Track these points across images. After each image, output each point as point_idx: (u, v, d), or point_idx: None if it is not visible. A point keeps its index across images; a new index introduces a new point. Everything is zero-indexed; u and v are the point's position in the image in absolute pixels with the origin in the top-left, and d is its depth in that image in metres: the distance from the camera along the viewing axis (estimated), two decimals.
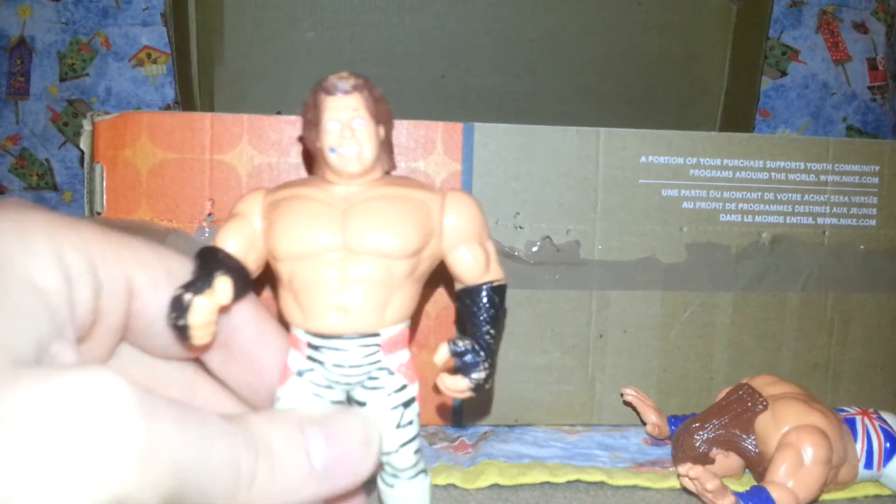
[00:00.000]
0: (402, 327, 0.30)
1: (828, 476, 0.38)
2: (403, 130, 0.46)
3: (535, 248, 0.47)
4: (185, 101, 0.68)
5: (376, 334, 0.29)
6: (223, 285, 0.28)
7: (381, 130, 0.30)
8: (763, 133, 0.83)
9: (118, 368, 0.27)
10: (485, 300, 0.30)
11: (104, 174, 0.44)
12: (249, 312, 0.30)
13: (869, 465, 0.40)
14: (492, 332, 0.30)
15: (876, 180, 0.50)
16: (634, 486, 0.41)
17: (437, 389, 0.30)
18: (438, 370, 0.30)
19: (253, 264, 0.30)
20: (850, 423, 0.41)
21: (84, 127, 0.45)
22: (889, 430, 0.41)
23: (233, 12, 0.69)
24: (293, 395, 0.29)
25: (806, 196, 0.49)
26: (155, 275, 0.27)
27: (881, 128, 0.83)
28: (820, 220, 0.49)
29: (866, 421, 0.41)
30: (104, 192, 0.44)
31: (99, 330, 0.26)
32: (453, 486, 0.40)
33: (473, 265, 0.30)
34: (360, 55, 0.71)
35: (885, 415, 0.42)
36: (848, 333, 0.50)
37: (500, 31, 0.73)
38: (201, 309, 0.27)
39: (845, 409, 0.42)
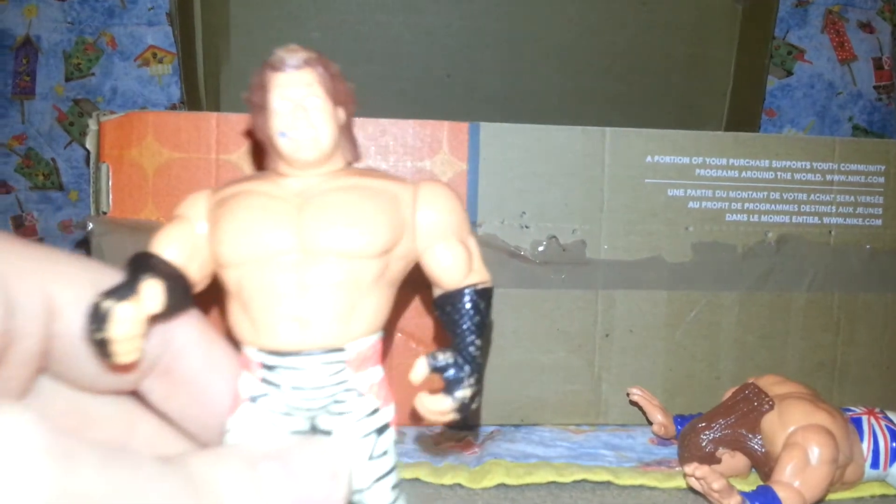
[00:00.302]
0: (373, 340, 0.26)
1: (834, 476, 0.38)
2: (409, 130, 0.46)
3: (540, 248, 0.47)
4: (191, 100, 0.67)
5: (341, 349, 0.25)
6: (151, 290, 0.23)
7: (341, 113, 0.26)
8: (769, 133, 0.82)
9: (38, 406, 0.24)
10: (468, 306, 0.26)
11: (110, 174, 0.44)
12: (194, 333, 0.26)
13: (875, 464, 0.40)
14: (477, 342, 0.26)
15: (882, 180, 0.50)
16: (641, 486, 0.41)
17: (416, 416, 0.26)
18: (416, 389, 0.26)
19: (196, 274, 0.26)
20: (857, 422, 0.41)
21: (90, 126, 0.45)
22: (895, 429, 0.41)
23: (238, 12, 0.69)
24: (246, 426, 0.25)
25: (812, 196, 0.49)
26: (80, 291, 0.23)
27: (887, 127, 0.83)
28: (826, 220, 0.49)
29: (872, 421, 0.41)
30: (110, 191, 0.44)
31: (12, 357, 0.22)
32: (459, 485, 0.40)
33: (453, 266, 0.26)
34: (365, 55, 0.71)
35: (891, 414, 0.42)
36: (854, 333, 0.50)
37: (506, 30, 0.73)
38: (124, 318, 0.23)
39: (851, 408, 0.42)
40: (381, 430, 0.26)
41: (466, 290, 0.27)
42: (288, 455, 0.21)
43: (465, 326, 0.26)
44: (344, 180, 0.26)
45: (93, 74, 0.78)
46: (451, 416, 0.26)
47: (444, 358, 0.26)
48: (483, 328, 0.26)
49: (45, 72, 0.78)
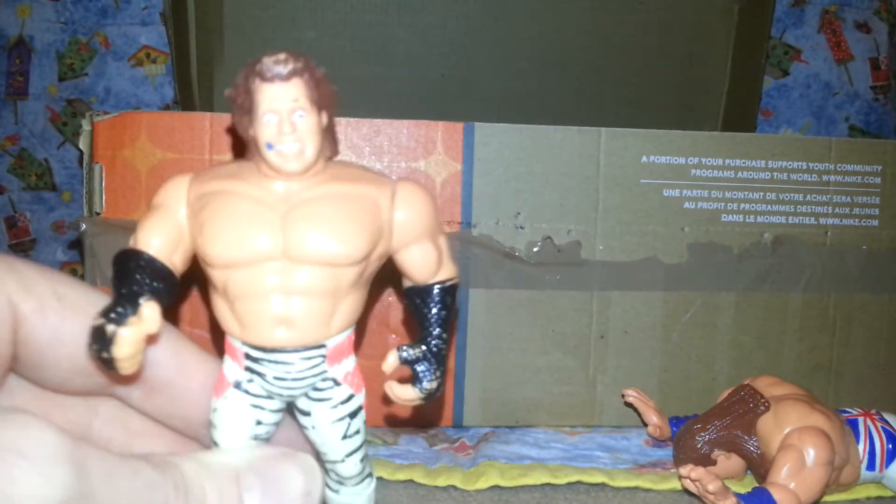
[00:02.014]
0: (348, 333, 0.28)
1: (830, 477, 0.38)
2: (404, 130, 0.45)
3: (535, 249, 0.46)
4: (185, 100, 0.67)
5: (322, 345, 0.27)
6: (151, 312, 0.25)
7: (324, 117, 0.27)
8: (765, 133, 0.82)
9: (7, 398, 0.26)
10: (436, 300, 0.29)
11: (103, 174, 0.44)
12: (167, 345, 0.28)
13: (871, 466, 0.40)
14: (444, 336, 0.29)
15: (878, 180, 0.50)
16: (636, 488, 0.41)
17: (386, 399, 0.29)
18: (386, 377, 0.29)
19: (179, 264, 0.27)
20: (853, 424, 0.41)
21: (83, 127, 0.45)
22: (891, 431, 0.41)
23: (232, 11, 0.69)
24: (231, 407, 0.27)
25: (808, 196, 0.49)
26: (43, 301, 0.25)
27: (883, 128, 0.83)
28: (822, 221, 0.49)
29: (868, 422, 0.41)
30: (103, 192, 0.44)
31: None
32: (454, 487, 0.40)
33: (425, 264, 0.29)
34: (360, 54, 0.70)
35: (887, 416, 0.42)
36: (850, 334, 0.50)
37: (501, 30, 0.73)
38: (127, 341, 0.24)
39: (847, 410, 0.42)
40: (353, 414, 0.28)
41: (435, 286, 0.29)
42: (268, 470, 0.24)
43: (432, 320, 0.29)
44: (326, 187, 0.27)
45: (86, 75, 0.78)
46: (418, 403, 0.28)
47: (414, 352, 0.28)
48: (448, 321, 0.29)
49: (38, 72, 0.77)
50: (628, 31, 0.73)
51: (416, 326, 0.29)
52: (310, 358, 0.27)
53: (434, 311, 0.29)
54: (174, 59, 0.66)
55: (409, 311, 0.30)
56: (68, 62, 0.78)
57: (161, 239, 0.27)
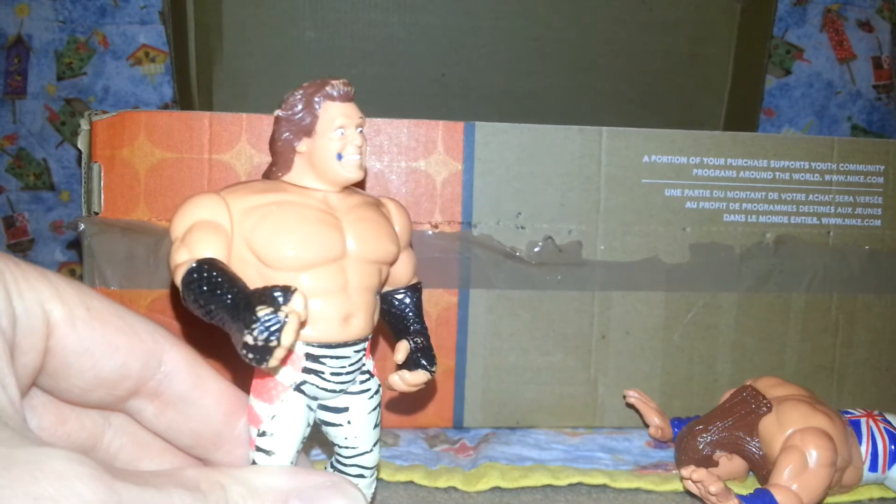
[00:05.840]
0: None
1: (832, 479, 0.37)
2: (404, 129, 0.45)
3: (536, 249, 0.46)
4: (184, 100, 0.67)
5: (368, 338, 0.30)
6: (300, 301, 0.25)
7: None
8: (767, 132, 0.82)
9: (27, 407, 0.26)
10: (416, 298, 0.33)
11: (102, 174, 0.44)
12: (180, 356, 0.28)
13: (874, 467, 0.40)
14: (426, 326, 0.33)
15: (881, 180, 0.49)
16: (637, 489, 0.41)
17: (390, 388, 0.31)
18: (394, 368, 0.32)
19: None
20: (855, 425, 0.41)
21: (82, 126, 0.45)
22: (894, 432, 0.40)
23: (232, 11, 0.69)
24: (290, 409, 0.28)
25: (810, 196, 0.48)
26: (74, 310, 0.25)
27: (886, 127, 0.83)
28: (825, 221, 0.49)
29: (871, 423, 0.41)
30: (102, 191, 0.44)
31: (15, 370, 0.23)
32: (454, 488, 0.40)
33: (409, 269, 0.32)
34: (360, 54, 0.70)
35: (890, 417, 0.42)
36: (853, 335, 0.50)
37: (502, 29, 0.73)
38: (294, 329, 0.24)
39: (850, 411, 0.42)
40: (380, 403, 0.31)
41: (417, 286, 0.33)
42: (315, 500, 0.24)
43: (419, 315, 0.32)
44: (356, 198, 0.30)
45: (85, 74, 0.78)
46: (423, 385, 0.31)
47: (420, 340, 0.32)
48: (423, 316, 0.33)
49: (36, 71, 0.77)
50: (630, 31, 0.73)
51: (396, 322, 0.33)
52: (359, 350, 0.29)
53: (419, 306, 0.33)
54: (173, 58, 0.66)
55: (388, 313, 0.32)
56: (67, 61, 0.78)
57: (218, 251, 0.27)
